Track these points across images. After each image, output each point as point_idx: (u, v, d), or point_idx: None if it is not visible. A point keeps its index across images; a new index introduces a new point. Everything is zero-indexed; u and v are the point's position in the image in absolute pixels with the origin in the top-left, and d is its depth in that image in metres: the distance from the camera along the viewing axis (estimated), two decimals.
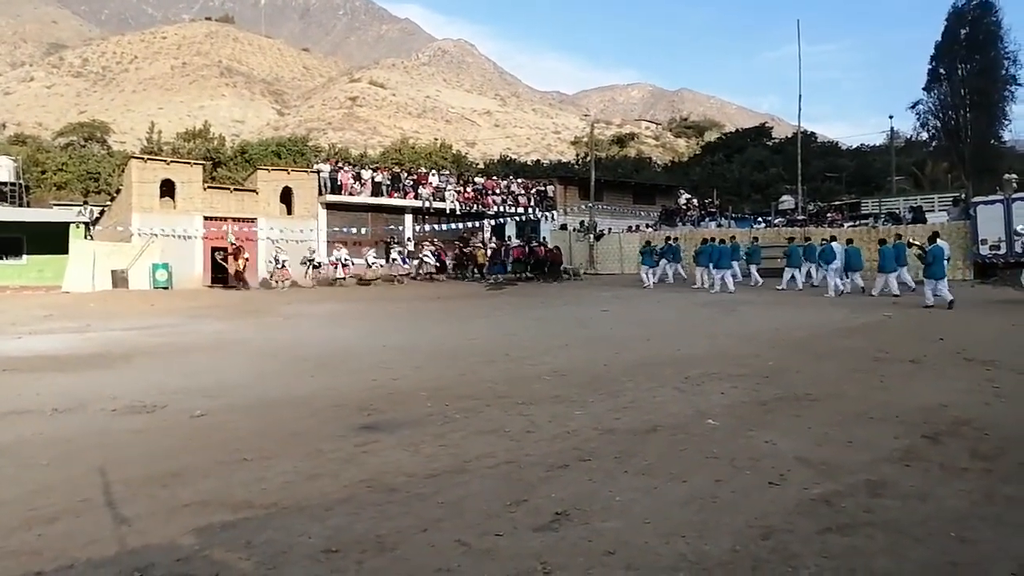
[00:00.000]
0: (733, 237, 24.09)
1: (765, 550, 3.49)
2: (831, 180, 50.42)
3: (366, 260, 27.83)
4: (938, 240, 16.77)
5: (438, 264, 28.77)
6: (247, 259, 25.70)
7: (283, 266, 25.86)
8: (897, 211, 31.94)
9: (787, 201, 38.99)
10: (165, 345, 11.94)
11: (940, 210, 30.44)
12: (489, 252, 29.24)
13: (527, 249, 29.25)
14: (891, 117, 57.29)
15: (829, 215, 34.31)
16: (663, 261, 24.86)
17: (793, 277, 21.01)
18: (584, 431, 5.87)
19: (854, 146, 65.58)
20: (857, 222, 30.31)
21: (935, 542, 3.57)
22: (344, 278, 27.12)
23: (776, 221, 33.01)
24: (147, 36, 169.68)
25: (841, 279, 19.41)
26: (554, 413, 6.54)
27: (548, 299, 20.50)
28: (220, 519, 4.02)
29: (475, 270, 29.14)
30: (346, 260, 27.36)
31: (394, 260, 28.54)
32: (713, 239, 23.49)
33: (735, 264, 21.92)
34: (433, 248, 29.21)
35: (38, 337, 13.00)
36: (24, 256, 26.33)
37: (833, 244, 19.85)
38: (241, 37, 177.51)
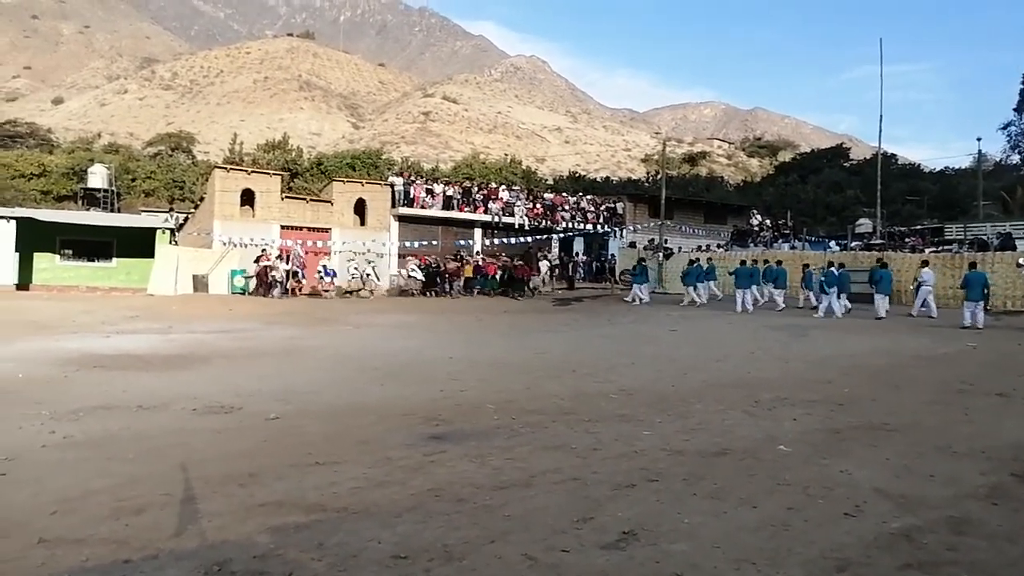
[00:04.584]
0: (807, 264, 23.82)
1: None
2: (912, 203, 48.61)
3: (362, 273, 27.69)
4: (976, 268, 17.96)
5: (424, 279, 28.13)
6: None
7: (328, 276, 26.38)
8: (984, 237, 30.54)
9: (864, 224, 37.71)
10: (242, 349, 12.35)
11: None
12: (472, 268, 28.86)
13: (500, 265, 29.07)
14: (979, 139, 55.10)
15: (909, 240, 33.05)
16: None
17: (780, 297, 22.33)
18: (651, 451, 5.81)
19: (938, 169, 63.15)
20: (940, 248, 29.11)
21: None
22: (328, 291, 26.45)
23: (852, 244, 31.98)
24: (232, 51, 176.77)
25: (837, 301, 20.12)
26: (621, 432, 6.49)
27: (615, 316, 20.35)
28: (294, 520, 4.14)
29: (460, 286, 28.37)
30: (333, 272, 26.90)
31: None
32: (697, 260, 26.20)
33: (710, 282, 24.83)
34: (418, 263, 28.83)
35: (125, 337, 13.63)
36: (114, 259, 27.60)
37: (832, 269, 20.73)
38: (320, 52, 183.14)
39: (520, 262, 29.65)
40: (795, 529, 4.08)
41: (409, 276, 27.82)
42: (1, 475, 4.98)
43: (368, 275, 27.38)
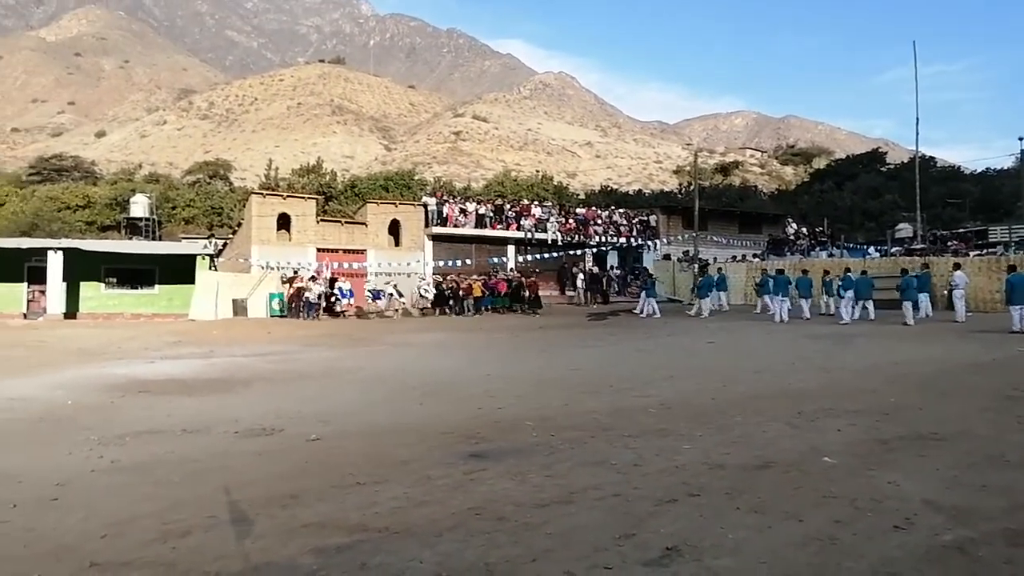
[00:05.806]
0: (826, 271, 23.68)
1: None
2: (953, 206, 47.53)
3: (371, 292, 27.78)
4: (1018, 269, 17.37)
5: (433, 298, 27.92)
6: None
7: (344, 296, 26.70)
8: None
9: (904, 229, 37.06)
10: (281, 371, 12.51)
11: None
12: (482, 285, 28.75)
13: (510, 281, 29.05)
14: (1021, 139, 53.23)
15: (952, 243, 32.34)
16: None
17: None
18: (692, 465, 5.74)
19: (978, 170, 61.62)
20: (984, 251, 28.43)
21: None
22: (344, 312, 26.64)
23: (893, 250, 31.41)
24: (266, 79, 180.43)
25: (853, 307, 20.24)
26: (661, 446, 6.42)
27: (651, 330, 20.21)
28: (336, 541, 4.16)
29: (470, 304, 27.92)
30: (347, 292, 27.06)
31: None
32: (707, 270, 27.36)
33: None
34: (427, 281, 28.79)
35: (168, 362, 13.90)
36: (156, 286, 28.23)
37: (848, 274, 20.97)
38: (351, 77, 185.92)
39: (532, 278, 29.64)
40: (843, 543, 3.98)
41: (421, 295, 28.10)
42: (53, 500, 5.10)
43: (391, 295, 27.49)
